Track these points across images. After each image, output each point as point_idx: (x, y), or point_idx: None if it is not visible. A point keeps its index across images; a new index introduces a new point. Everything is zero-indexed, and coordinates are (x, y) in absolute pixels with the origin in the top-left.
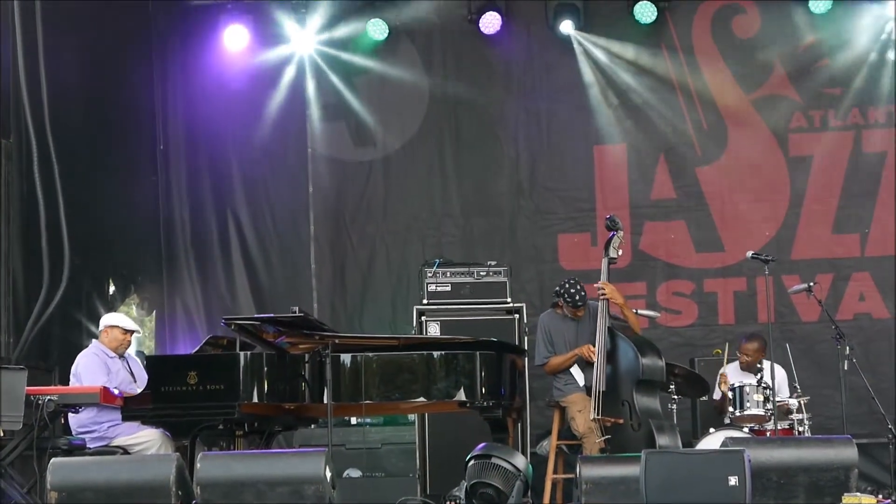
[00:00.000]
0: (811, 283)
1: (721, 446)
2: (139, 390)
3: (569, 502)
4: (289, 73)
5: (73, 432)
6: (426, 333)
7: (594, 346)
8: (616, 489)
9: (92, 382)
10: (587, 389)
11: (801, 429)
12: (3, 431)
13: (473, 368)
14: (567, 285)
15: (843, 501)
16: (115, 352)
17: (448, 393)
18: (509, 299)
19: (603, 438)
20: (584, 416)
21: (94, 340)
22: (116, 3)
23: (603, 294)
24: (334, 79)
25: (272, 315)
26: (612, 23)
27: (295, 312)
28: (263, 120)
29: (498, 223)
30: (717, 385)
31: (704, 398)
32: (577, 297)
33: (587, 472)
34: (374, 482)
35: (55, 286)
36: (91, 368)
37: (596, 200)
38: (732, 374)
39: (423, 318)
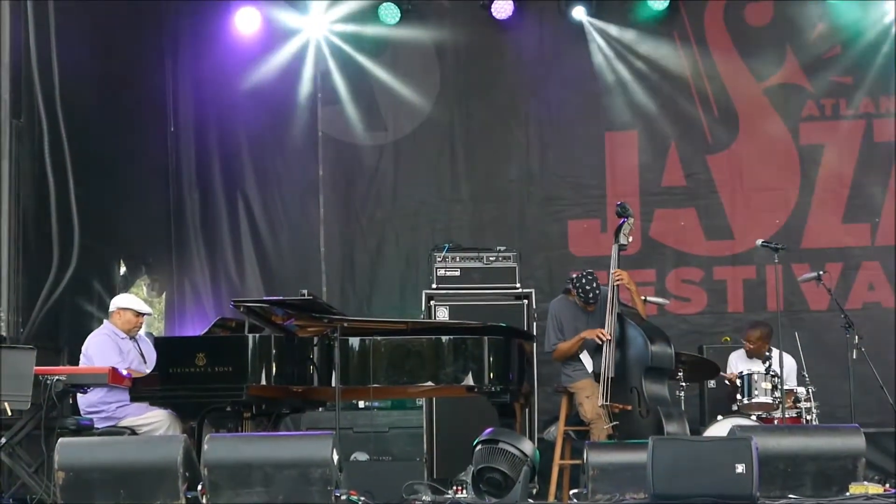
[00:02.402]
0: (821, 272)
1: (729, 434)
2: (149, 371)
3: (575, 488)
4: (300, 57)
5: (82, 412)
6: (435, 318)
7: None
8: (623, 475)
9: (103, 363)
10: (595, 376)
11: (808, 417)
12: (12, 411)
13: (482, 353)
14: (583, 280)
15: (851, 490)
16: (126, 333)
17: (456, 377)
18: (518, 285)
19: (611, 425)
20: (592, 402)
21: (105, 321)
22: None
23: (619, 280)
24: (345, 63)
25: (281, 298)
26: (624, 9)
27: (304, 295)
28: (274, 103)
29: (508, 209)
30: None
31: (713, 383)
32: (591, 295)
33: (594, 458)
34: (381, 466)
35: (65, 266)
36: (103, 349)
37: (606, 187)
38: (739, 361)
39: (432, 302)
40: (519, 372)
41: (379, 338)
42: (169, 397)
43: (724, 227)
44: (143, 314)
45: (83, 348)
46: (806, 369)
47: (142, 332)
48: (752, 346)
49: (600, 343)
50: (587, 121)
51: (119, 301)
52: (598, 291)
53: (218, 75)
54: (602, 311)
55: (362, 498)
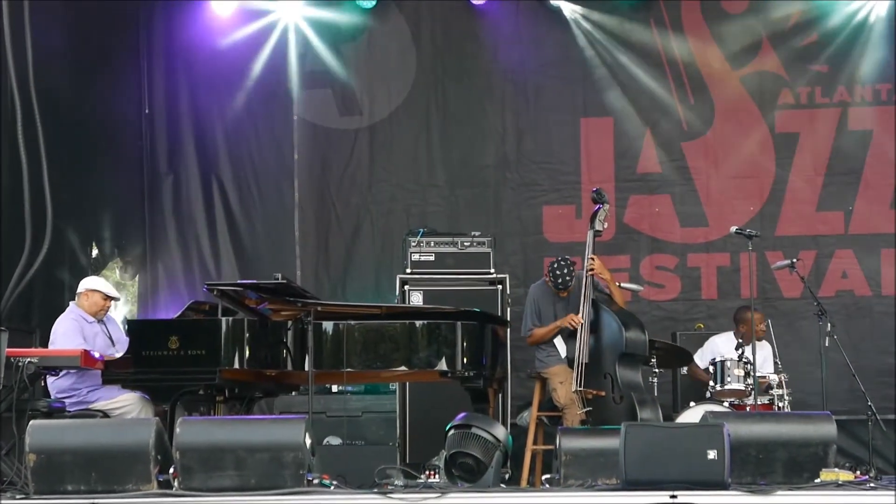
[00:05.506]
0: (794, 260)
1: (701, 420)
2: (118, 354)
3: (548, 473)
4: (275, 40)
5: (53, 396)
6: (409, 303)
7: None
8: (595, 461)
9: (65, 347)
10: (569, 361)
11: (781, 404)
12: None
13: (455, 338)
14: (555, 266)
15: (821, 477)
16: (93, 316)
17: (429, 362)
18: (493, 270)
19: (584, 410)
20: (565, 387)
21: (71, 304)
22: None
23: (591, 269)
24: (321, 46)
25: (255, 281)
26: None
27: (278, 279)
28: (249, 86)
29: (483, 194)
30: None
31: (686, 369)
32: (561, 281)
33: (567, 443)
34: (354, 450)
35: (37, 249)
36: (66, 333)
37: (581, 173)
38: (727, 344)
39: (406, 287)
40: (492, 357)
41: (353, 322)
42: (141, 380)
43: (698, 214)
44: (112, 298)
45: (51, 332)
46: (779, 356)
47: (111, 312)
48: (764, 331)
49: (573, 329)
50: (563, 107)
51: (87, 283)
52: (569, 279)
53: (193, 59)
54: (578, 296)
55: (335, 482)
